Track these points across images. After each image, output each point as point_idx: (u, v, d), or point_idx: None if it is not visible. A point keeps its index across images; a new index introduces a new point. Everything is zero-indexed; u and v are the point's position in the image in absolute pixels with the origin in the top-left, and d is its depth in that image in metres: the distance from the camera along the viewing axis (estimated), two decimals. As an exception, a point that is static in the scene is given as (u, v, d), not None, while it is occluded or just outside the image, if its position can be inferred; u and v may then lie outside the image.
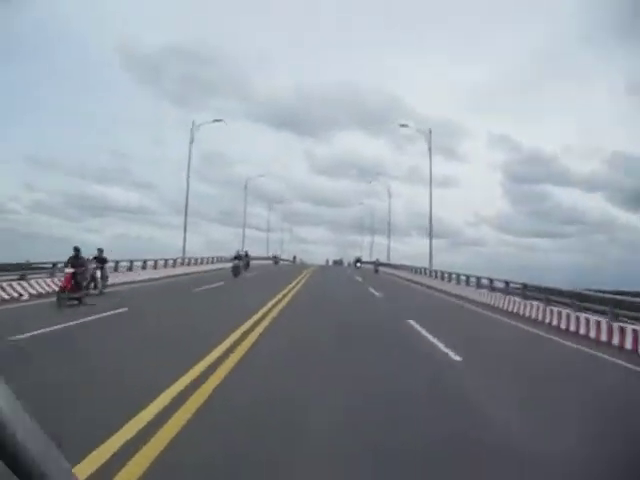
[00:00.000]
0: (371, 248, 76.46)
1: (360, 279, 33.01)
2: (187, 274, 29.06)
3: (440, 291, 25.26)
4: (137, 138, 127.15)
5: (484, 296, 19.84)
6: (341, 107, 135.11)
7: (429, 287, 28.23)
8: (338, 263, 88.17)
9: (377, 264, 50.45)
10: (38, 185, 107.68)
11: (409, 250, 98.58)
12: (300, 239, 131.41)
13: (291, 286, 22.59)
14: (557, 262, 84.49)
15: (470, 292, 21.93)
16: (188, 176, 38.11)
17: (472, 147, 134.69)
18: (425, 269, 33.74)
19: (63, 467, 0.65)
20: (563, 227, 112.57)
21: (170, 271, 27.97)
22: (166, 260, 28.92)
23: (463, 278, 24.20)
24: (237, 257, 31.38)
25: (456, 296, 22.29)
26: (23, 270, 15.93)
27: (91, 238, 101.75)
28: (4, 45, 78.68)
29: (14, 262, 16.65)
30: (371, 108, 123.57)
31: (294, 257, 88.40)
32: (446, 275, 27.28)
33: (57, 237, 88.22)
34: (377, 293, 21.84)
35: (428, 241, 34.64)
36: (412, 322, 12.08)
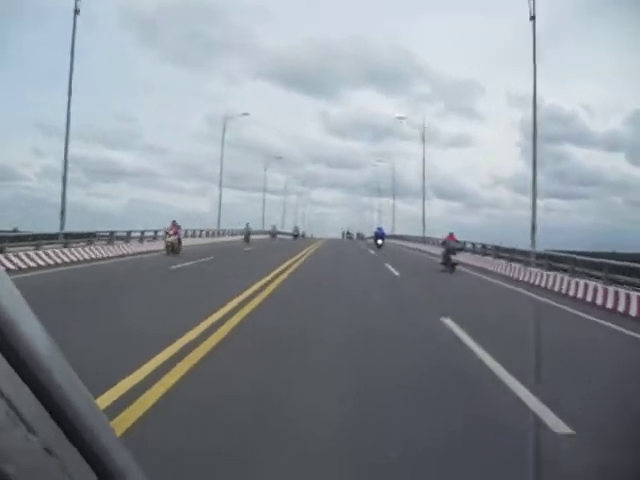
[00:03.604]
0: (379, 213, 68.23)
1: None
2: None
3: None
4: (142, 101, 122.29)
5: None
6: (353, 64, 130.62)
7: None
8: (351, 237, 73.32)
9: (453, 247, 19.50)
10: (46, 151, 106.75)
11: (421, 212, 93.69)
12: (314, 202, 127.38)
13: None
14: (574, 224, 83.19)
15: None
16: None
17: (490, 106, 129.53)
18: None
19: (104, 422, 0.64)
20: (581, 188, 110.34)
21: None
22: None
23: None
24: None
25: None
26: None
27: (104, 203, 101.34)
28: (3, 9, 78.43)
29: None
30: (385, 65, 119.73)
31: (296, 229, 65.64)
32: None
33: (68, 203, 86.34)
34: None
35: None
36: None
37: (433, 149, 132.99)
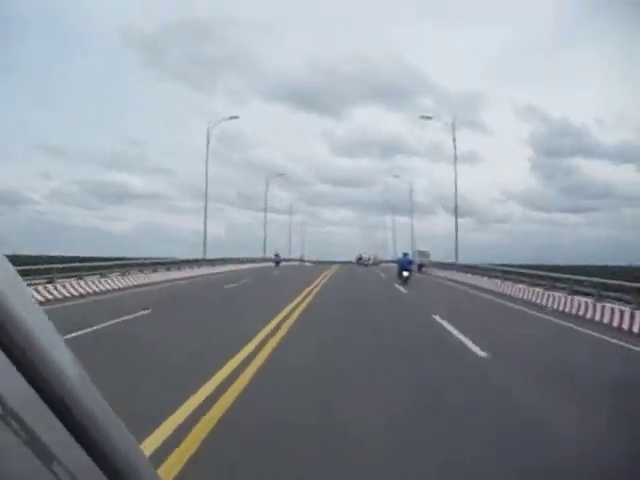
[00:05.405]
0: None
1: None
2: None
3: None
4: (147, 122, 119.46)
5: None
6: (356, 81, 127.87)
7: None
8: (365, 263, 60.57)
9: None
10: (54, 174, 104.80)
11: (434, 229, 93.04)
12: (323, 221, 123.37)
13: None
14: (587, 238, 79.09)
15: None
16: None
17: (498, 119, 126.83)
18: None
19: (146, 464, 0.66)
20: (593, 201, 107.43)
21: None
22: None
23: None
24: None
25: None
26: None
27: (115, 227, 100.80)
28: (6, 28, 76.59)
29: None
30: (388, 81, 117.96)
31: (276, 255, 52.60)
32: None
33: (82, 227, 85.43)
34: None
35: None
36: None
37: (442, 164, 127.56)
